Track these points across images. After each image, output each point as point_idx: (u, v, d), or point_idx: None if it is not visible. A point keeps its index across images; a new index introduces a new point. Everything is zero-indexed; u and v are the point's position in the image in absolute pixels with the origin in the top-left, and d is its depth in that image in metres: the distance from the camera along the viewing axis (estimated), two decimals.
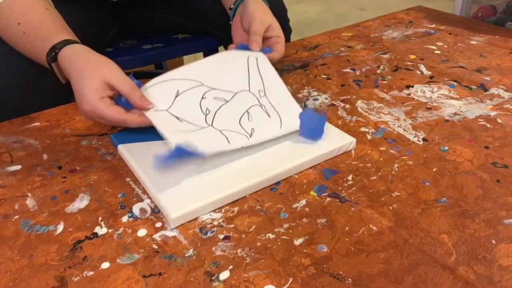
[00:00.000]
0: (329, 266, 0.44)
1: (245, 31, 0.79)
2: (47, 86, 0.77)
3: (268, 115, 0.64)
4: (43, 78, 0.76)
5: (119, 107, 0.61)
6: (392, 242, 0.47)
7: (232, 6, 0.84)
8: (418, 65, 0.84)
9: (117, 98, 0.63)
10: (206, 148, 0.55)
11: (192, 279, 0.44)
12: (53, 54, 0.65)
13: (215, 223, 0.50)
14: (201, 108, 0.63)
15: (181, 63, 1.82)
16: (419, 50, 0.91)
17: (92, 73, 0.61)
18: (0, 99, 0.73)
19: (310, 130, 0.61)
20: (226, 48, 1.10)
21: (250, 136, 0.60)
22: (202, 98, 0.64)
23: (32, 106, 0.75)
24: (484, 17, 1.25)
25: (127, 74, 0.63)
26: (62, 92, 0.79)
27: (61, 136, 0.67)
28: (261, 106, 0.65)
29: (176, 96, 0.64)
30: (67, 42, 0.65)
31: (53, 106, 0.75)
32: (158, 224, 0.50)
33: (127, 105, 0.62)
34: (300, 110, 0.64)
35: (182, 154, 0.53)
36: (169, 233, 0.49)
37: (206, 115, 0.62)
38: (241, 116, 0.63)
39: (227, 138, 0.59)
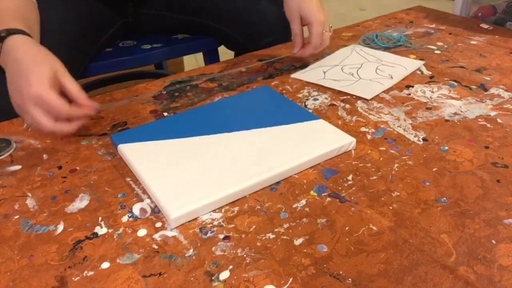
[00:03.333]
0: (329, 266, 0.44)
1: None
2: None
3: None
4: None
5: (65, 100, 0.59)
6: (392, 242, 0.47)
7: None
8: None
9: None
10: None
11: (192, 279, 0.44)
12: (4, 35, 0.63)
13: (215, 223, 0.50)
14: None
15: (181, 63, 1.82)
16: (419, 50, 0.91)
17: (47, 63, 0.60)
18: None
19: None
20: (228, 47, 1.10)
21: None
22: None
23: None
24: (484, 17, 1.25)
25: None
26: None
27: (61, 136, 0.67)
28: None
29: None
30: (23, 32, 0.64)
31: None
32: (158, 224, 0.50)
33: None
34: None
35: None
36: (169, 233, 0.49)
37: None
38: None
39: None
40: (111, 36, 1.03)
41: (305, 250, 0.46)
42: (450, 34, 0.99)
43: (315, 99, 0.74)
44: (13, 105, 0.61)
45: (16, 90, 0.59)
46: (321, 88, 0.78)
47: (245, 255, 0.46)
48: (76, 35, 0.67)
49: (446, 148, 0.61)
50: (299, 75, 0.82)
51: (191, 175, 0.55)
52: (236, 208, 0.52)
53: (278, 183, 0.56)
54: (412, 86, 0.77)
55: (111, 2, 0.98)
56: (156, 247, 0.47)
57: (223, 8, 0.99)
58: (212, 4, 1.02)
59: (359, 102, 0.73)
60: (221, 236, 0.48)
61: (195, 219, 0.51)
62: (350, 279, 0.43)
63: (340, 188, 0.55)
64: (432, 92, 0.75)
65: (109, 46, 1.04)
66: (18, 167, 0.61)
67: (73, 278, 0.44)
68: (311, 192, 0.54)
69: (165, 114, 0.72)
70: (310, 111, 0.70)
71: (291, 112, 0.68)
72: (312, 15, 0.79)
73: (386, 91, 0.76)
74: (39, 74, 0.59)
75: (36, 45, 0.63)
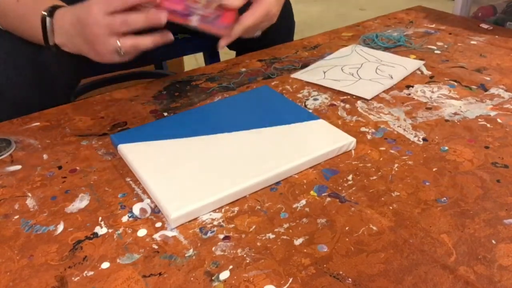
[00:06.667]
0: (329, 266, 0.44)
1: None
2: (46, 83, 0.77)
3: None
4: (42, 74, 0.76)
5: None
6: (392, 242, 0.47)
7: None
8: None
9: None
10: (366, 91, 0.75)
11: (192, 279, 0.44)
12: (52, 9, 0.64)
13: (215, 223, 0.50)
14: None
15: (181, 63, 1.82)
16: (419, 50, 0.91)
17: None
18: None
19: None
20: (228, 46, 1.10)
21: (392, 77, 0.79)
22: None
23: (31, 102, 0.75)
24: (484, 17, 1.25)
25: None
26: (62, 89, 0.79)
27: (61, 136, 0.67)
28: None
29: None
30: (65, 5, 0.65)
31: (52, 102, 0.75)
32: (158, 224, 0.50)
33: None
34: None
35: None
36: (169, 233, 0.49)
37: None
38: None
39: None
40: None
41: (305, 250, 0.46)
42: (450, 34, 0.99)
43: (315, 99, 0.74)
44: (92, 53, 0.62)
45: (88, 27, 0.59)
46: (321, 88, 0.78)
47: (245, 255, 0.46)
48: None
49: (446, 148, 0.61)
50: (299, 75, 0.82)
51: (191, 175, 0.55)
52: (236, 208, 0.52)
53: (278, 183, 0.56)
54: (412, 86, 0.77)
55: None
56: (156, 247, 0.47)
57: None
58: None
59: (359, 102, 0.73)
60: (221, 236, 0.48)
61: (195, 219, 0.51)
62: (350, 279, 0.43)
63: (340, 188, 0.55)
64: (432, 92, 0.75)
65: None
66: (18, 167, 0.61)
67: (73, 278, 0.44)
68: (311, 192, 0.54)
69: (165, 114, 0.72)
70: (310, 111, 0.70)
71: (291, 112, 0.68)
72: None
73: (386, 91, 0.76)
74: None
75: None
